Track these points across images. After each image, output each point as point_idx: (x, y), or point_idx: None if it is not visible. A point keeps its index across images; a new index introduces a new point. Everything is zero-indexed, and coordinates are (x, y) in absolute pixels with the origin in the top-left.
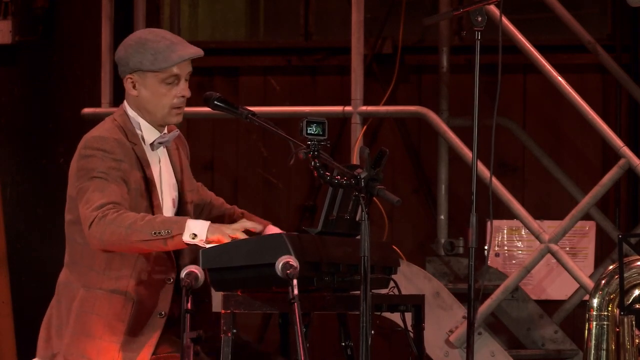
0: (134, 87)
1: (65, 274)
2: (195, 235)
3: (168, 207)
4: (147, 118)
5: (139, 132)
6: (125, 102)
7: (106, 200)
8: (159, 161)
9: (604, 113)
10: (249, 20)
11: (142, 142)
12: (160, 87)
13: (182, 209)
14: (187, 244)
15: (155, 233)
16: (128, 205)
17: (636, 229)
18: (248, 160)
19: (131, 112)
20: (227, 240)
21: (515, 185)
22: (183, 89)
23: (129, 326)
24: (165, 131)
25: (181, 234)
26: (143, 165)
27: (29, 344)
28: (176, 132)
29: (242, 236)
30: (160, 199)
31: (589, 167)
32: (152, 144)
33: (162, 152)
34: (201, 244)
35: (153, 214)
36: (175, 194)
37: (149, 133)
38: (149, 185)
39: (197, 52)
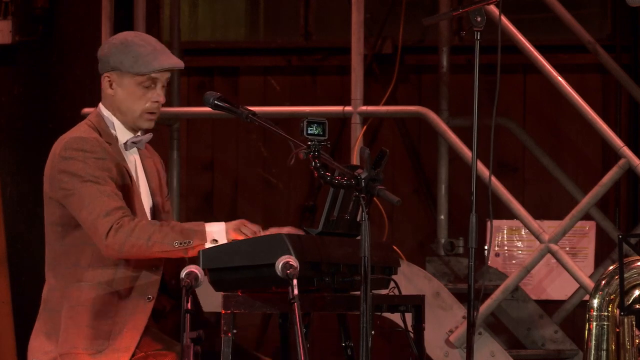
0: (110, 85)
1: (49, 281)
2: (216, 240)
3: (147, 213)
4: (120, 119)
5: (113, 131)
6: (100, 104)
7: (113, 206)
8: (134, 163)
9: (604, 113)
10: (249, 20)
11: (116, 142)
12: (137, 89)
13: (158, 218)
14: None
15: (177, 244)
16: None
17: (636, 229)
18: (248, 160)
19: (105, 112)
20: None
21: (515, 185)
22: (159, 94)
23: (117, 312)
24: (139, 133)
25: (203, 244)
26: (121, 164)
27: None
28: (150, 135)
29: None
30: (145, 200)
31: (589, 167)
32: (125, 144)
33: (136, 158)
34: None
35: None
36: (150, 201)
37: (122, 133)
38: (130, 186)
39: (178, 63)
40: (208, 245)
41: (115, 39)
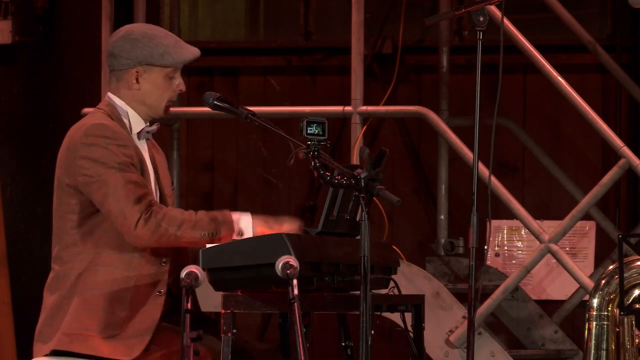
0: (137, 80)
1: (55, 270)
2: (242, 233)
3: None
4: (140, 110)
5: (126, 121)
6: (110, 95)
7: (139, 194)
8: (145, 151)
9: (604, 113)
10: (249, 20)
11: (129, 131)
12: (164, 81)
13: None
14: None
15: (205, 234)
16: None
17: (636, 229)
18: (248, 160)
19: (118, 102)
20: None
21: (515, 185)
22: (181, 83)
23: (131, 300)
24: (147, 123)
25: (230, 235)
26: (139, 152)
27: (29, 343)
28: (158, 124)
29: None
30: (154, 190)
31: (589, 167)
32: (139, 133)
33: (145, 148)
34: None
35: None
36: (158, 191)
37: (136, 123)
38: (147, 174)
39: (198, 52)
40: (235, 236)
41: (133, 33)
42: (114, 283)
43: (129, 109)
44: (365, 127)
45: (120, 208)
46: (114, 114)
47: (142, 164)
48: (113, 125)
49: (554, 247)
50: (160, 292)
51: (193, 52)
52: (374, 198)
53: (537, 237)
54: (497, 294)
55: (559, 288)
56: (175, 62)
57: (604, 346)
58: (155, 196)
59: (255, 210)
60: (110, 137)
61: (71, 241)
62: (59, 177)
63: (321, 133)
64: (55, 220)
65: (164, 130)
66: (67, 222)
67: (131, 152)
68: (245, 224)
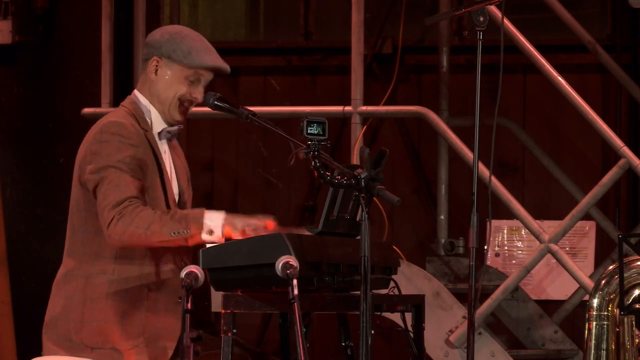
0: (155, 71)
1: (66, 266)
2: (212, 231)
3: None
4: (159, 109)
5: (148, 119)
6: (136, 91)
7: (123, 197)
8: (166, 153)
9: (604, 113)
10: (249, 20)
11: (151, 129)
12: (181, 82)
13: (182, 208)
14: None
15: (174, 233)
16: (143, 196)
17: (636, 229)
18: (248, 160)
19: (143, 100)
20: (236, 235)
21: (515, 185)
22: (200, 91)
23: (148, 311)
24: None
25: (199, 233)
26: (155, 152)
27: (29, 343)
28: (181, 126)
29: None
30: (174, 190)
31: (589, 167)
32: (160, 133)
33: (167, 149)
34: (218, 240)
35: (167, 205)
36: (177, 192)
37: (157, 122)
38: (161, 174)
39: (226, 66)
40: (204, 236)
41: (169, 27)
42: (127, 294)
43: (152, 108)
44: (365, 127)
45: (103, 207)
46: (137, 113)
47: (155, 165)
48: (130, 125)
49: (554, 247)
50: (180, 299)
51: (216, 61)
52: (374, 198)
53: (537, 237)
54: (497, 294)
55: (559, 288)
56: (194, 64)
57: (604, 346)
58: (175, 196)
59: (255, 210)
60: (125, 135)
61: (81, 238)
62: (75, 171)
63: (321, 133)
64: (70, 215)
65: None
66: (79, 219)
67: (142, 153)
68: (215, 223)
